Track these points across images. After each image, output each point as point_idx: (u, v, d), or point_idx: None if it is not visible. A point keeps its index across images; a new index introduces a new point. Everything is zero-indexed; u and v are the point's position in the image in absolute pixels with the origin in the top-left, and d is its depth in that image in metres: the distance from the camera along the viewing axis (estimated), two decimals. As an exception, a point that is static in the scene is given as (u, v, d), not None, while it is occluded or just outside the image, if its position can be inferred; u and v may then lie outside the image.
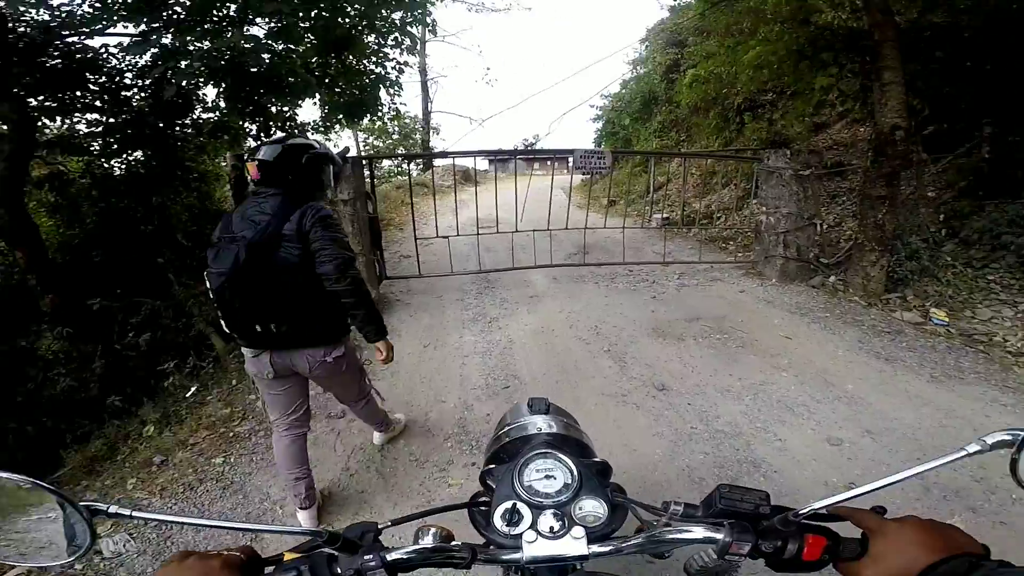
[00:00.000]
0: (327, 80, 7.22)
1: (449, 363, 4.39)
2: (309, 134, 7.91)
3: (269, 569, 0.68)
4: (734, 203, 9.22)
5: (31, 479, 0.59)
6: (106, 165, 7.46)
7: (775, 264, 5.98)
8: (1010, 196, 5.33)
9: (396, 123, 24.77)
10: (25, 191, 6.43)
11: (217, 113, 7.00)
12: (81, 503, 0.60)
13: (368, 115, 7.94)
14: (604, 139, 17.13)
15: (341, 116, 7.81)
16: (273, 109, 7.11)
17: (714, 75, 9.73)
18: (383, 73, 7.56)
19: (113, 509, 0.60)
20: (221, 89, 6.06)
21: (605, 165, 6.23)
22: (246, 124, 7.11)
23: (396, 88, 7.88)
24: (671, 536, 0.71)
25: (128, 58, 5.78)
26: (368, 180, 5.88)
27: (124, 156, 7.10)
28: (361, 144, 23.24)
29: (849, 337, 4.47)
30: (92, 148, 6.77)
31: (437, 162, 20.47)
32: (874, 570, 0.62)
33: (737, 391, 3.64)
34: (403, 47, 7.61)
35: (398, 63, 7.71)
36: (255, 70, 5.44)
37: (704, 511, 0.73)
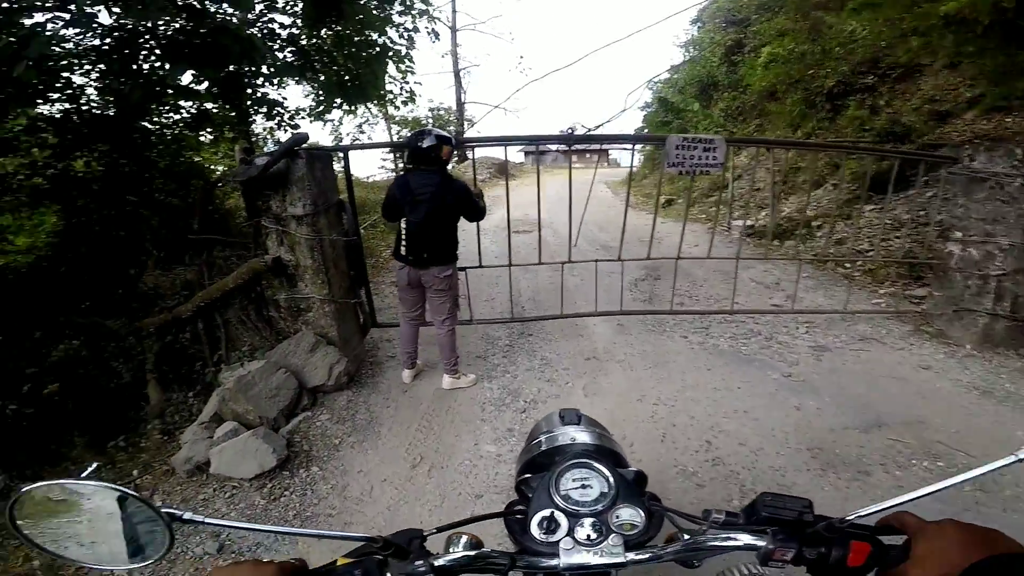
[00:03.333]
0: (318, 57, 5.50)
1: (450, 506, 2.55)
2: (300, 121, 6.35)
3: None
4: (837, 208, 6.99)
5: (112, 484, 0.63)
6: (59, 166, 5.87)
7: (973, 322, 3.86)
8: None
9: (430, 114, 23.98)
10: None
11: (194, 103, 5.47)
12: (163, 509, 0.63)
13: (372, 98, 6.13)
14: (652, 129, 15.17)
15: (339, 100, 6.02)
16: (256, 94, 5.56)
17: (795, 54, 8.78)
18: (387, 43, 5.71)
19: (187, 515, 0.63)
20: (194, 75, 4.47)
21: (716, 161, 4.00)
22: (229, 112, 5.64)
23: (406, 62, 6.04)
24: (712, 543, 0.71)
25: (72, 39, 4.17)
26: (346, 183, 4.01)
27: (79, 154, 5.65)
28: (394, 137, 22.42)
29: None
30: (32, 146, 5.30)
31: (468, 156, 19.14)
32: (918, 573, 0.60)
33: None
34: (413, 11, 5.80)
35: (405, 30, 5.88)
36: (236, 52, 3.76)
37: (745, 519, 0.71)
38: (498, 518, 0.86)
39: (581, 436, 1.13)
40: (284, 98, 5.97)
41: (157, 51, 3.55)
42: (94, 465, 2.20)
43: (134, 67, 3.85)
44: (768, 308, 4.94)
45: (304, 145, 3.23)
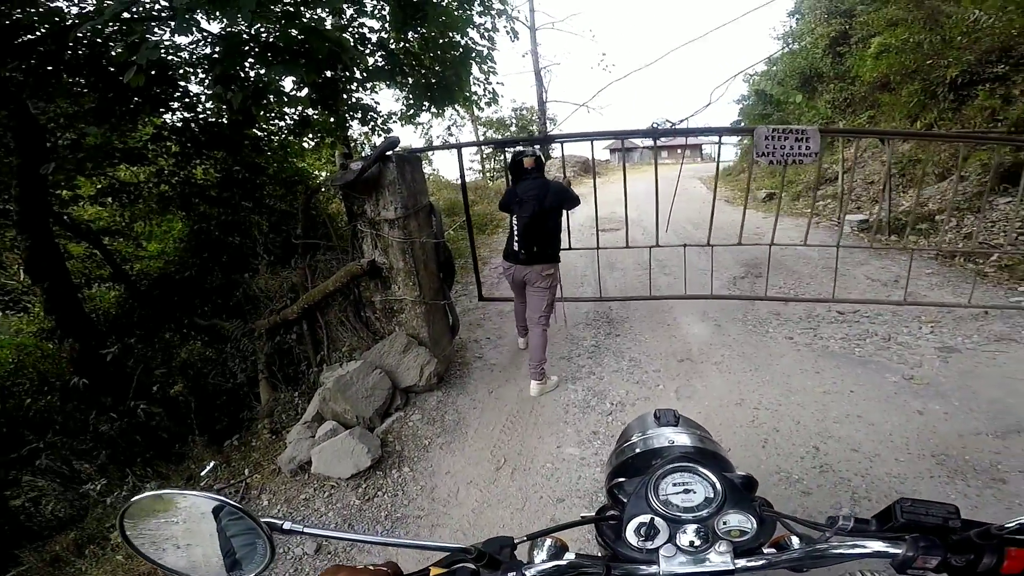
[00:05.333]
0: (406, 60, 5.64)
1: (531, 509, 2.53)
2: (392, 125, 6.54)
3: None
4: (967, 201, 6.27)
5: (216, 496, 0.65)
6: (182, 173, 6.44)
7: None
8: None
9: (513, 115, 24.25)
10: (64, 211, 5.57)
11: (295, 109, 5.80)
12: (263, 519, 0.64)
13: (457, 100, 6.25)
14: (750, 122, 15.22)
15: (427, 104, 6.18)
16: (350, 99, 5.74)
17: (910, 43, 8.40)
18: (469, 44, 5.79)
19: (288, 525, 0.64)
20: (294, 82, 4.72)
21: (810, 150, 3.85)
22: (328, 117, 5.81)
23: (488, 63, 6.10)
24: (837, 551, 0.66)
25: (187, 48, 4.59)
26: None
27: (198, 162, 6.20)
28: (480, 137, 23.10)
29: None
30: (158, 154, 5.90)
31: (553, 154, 19.19)
32: None
33: None
34: (492, 11, 5.83)
35: (485, 31, 5.93)
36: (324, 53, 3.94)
37: (878, 525, 0.67)
38: (589, 524, 0.83)
39: (680, 438, 1.09)
40: (377, 103, 6.22)
41: (256, 55, 3.73)
42: (211, 464, 2.39)
43: (239, 73, 4.03)
44: (875, 299, 4.51)
45: (396, 149, 3.32)
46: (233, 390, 4.66)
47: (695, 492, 0.78)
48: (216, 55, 4.04)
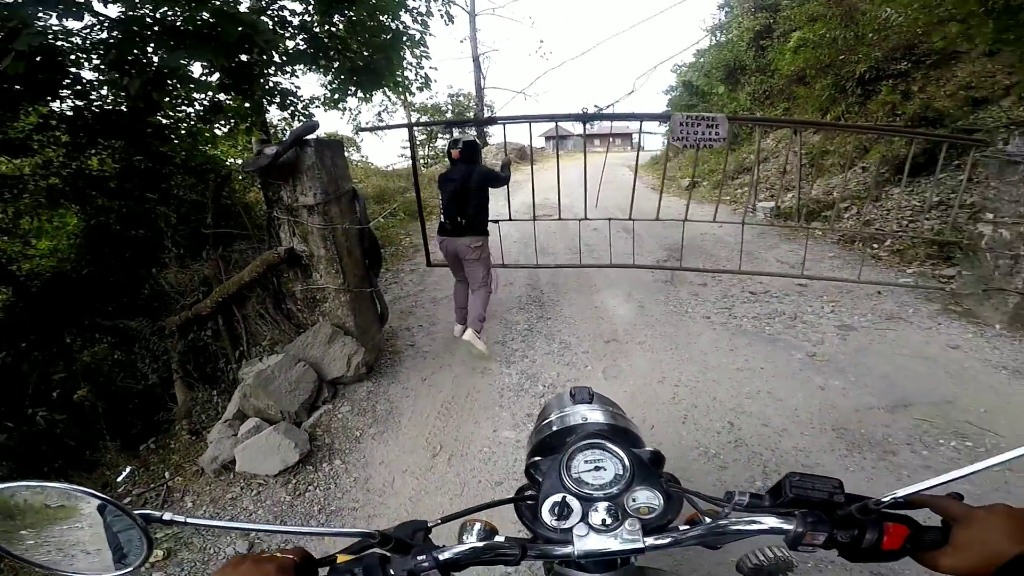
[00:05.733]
0: (331, 43, 5.46)
1: (470, 494, 2.56)
2: (315, 110, 6.34)
3: (323, 571, 0.67)
4: (866, 191, 6.83)
5: (79, 487, 0.61)
6: (73, 165, 5.89)
7: (1004, 302, 3.71)
8: None
9: (450, 100, 24.10)
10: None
11: (205, 95, 5.45)
12: (136, 511, 0.60)
13: (386, 85, 6.09)
14: (678, 112, 15.43)
15: (353, 88, 5.99)
16: (268, 84, 5.50)
17: (826, 39, 8.83)
18: (400, 28, 5.65)
19: (167, 516, 0.61)
20: (204, 66, 4.44)
21: (718, 136, 4.26)
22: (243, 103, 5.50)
23: (421, 47, 5.98)
24: (736, 527, 0.67)
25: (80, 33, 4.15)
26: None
27: (93, 152, 5.68)
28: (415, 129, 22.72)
29: None
30: (44, 145, 5.34)
31: (491, 141, 19.14)
32: (955, 560, 0.58)
33: None
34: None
35: (418, 14, 5.81)
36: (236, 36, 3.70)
37: (771, 501, 0.68)
38: (508, 505, 0.83)
39: (593, 415, 1.10)
40: (298, 87, 5.94)
41: (158, 39, 3.47)
42: (128, 469, 2.24)
43: (140, 58, 3.75)
44: (776, 272, 4.99)
45: (315, 133, 3.19)
46: (146, 392, 4.38)
47: (606, 469, 0.80)
48: (112, 39, 3.74)
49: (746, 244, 5.30)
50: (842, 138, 8.07)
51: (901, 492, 0.61)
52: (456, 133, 4.52)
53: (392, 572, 0.65)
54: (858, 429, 2.74)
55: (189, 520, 0.63)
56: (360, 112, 18.85)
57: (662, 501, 0.74)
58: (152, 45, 3.60)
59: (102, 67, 4.39)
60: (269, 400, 3.06)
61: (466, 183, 3.64)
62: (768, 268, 5.19)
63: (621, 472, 0.79)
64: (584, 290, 5.10)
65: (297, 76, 6.02)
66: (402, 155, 24.56)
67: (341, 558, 0.68)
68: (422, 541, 0.70)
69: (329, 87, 6.16)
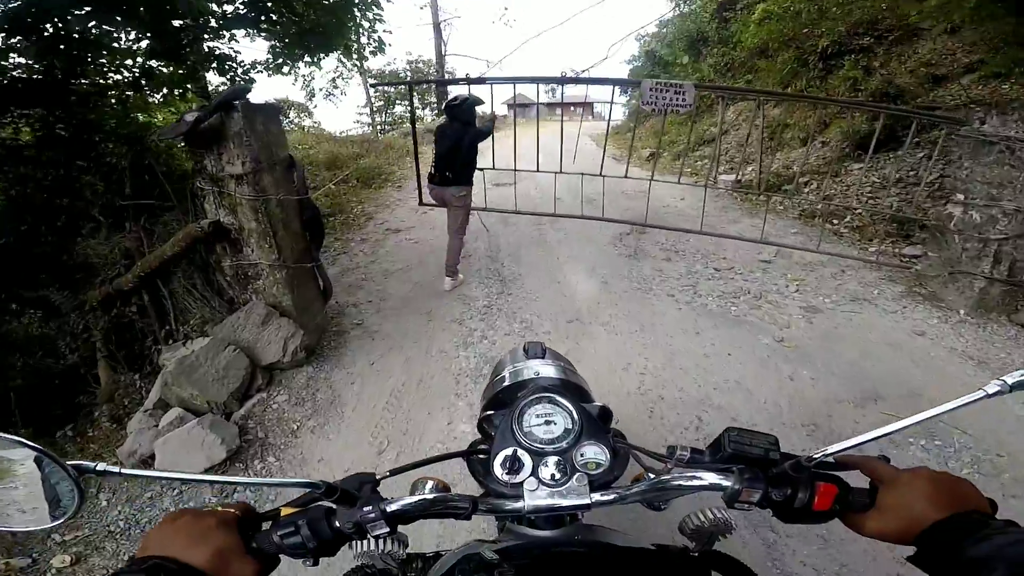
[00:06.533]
0: (274, 6, 5.07)
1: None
2: (257, 76, 5.92)
3: (266, 525, 0.65)
4: (826, 166, 6.84)
5: (14, 437, 0.59)
6: None
7: (969, 286, 3.68)
8: None
9: (409, 67, 23.51)
10: None
11: (137, 60, 5.00)
12: (68, 462, 0.58)
13: (336, 48, 5.67)
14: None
15: (300, 52, 5.53)
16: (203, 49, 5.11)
17: (790, 12, 8.90)
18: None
19: (101, 467, 0.59)
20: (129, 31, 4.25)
21: (685, 102, 4.40)
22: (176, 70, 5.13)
23: (374, 10, 5.55)
24: (677, 483, 0.68)
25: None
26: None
27: (8, 121, 5.09)
28: (372, 94, 22.53)
29: None
30: None
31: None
32: (879, 523, 0.59)
33: None
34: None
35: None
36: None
37: (711, 456, 0.69)
38: (460, 458, 0.84)
39: (545, 370, 1.09)
40: (237, 52, 5.47)
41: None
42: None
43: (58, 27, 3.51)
44: (732, 235, 5.18)
45: (246, 97, 2.81)
46: (67, 372, 3.96)
47: (556, 423, 0.79)
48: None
49: (709, 218, 5.21)
50: (802, 111, 8.02)
51: (831, 448, 0.63)
52: (454, 92, 4.89)
53: (338, 524, 0.64)
54: (828, 424, 2.64)
55: (124, 471, 0.61)
56: (314, 78, 17.87)
57: (609, 456, 0.74)
58: (75, 12, 3.38)
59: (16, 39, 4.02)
60: (194, 389, 2.74)
61: (459, 142, 4.12)
62: (731, 241, 5.12)
63: (570, 426, 0.78)
64: (547, 264, 4.91)
65: (237, 41, 5.54)
66: (357, 121, 23.75)
67: (285, 511, 0.65)
68: (370, 493, 0.67)
69: (273, 51, 5.70)
